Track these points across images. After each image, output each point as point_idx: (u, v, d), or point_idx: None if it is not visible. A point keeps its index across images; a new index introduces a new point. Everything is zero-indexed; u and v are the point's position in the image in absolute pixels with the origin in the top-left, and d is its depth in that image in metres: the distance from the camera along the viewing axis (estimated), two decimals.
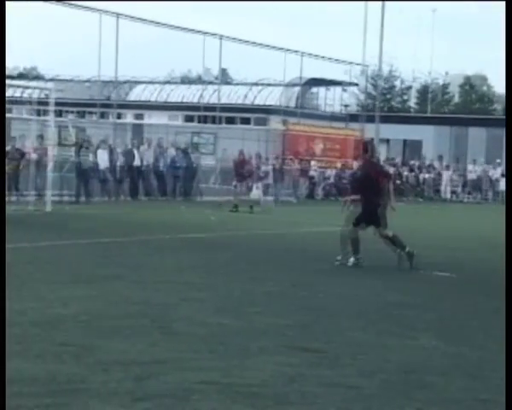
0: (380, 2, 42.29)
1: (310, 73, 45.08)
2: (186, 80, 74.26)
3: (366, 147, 14.08)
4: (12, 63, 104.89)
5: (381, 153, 46.23)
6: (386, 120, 46.90)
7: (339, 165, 37.18)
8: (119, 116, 35.30)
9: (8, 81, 43.18)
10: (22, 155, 24.41)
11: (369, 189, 13.14)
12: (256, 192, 29.31)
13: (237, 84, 63.55)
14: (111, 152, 27.30)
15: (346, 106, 53.02)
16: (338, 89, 52.65)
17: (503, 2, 10.68)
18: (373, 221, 13.16)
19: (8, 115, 43.42)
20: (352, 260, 12.99)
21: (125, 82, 58.80)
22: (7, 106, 48.31)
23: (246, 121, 54.30)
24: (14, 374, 5.97)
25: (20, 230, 16.45)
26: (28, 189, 24.93)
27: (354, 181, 13.65)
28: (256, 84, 58.91)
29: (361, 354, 7.21)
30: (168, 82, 63.55)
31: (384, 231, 13.19)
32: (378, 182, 13.25)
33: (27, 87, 44.12)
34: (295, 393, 5.93)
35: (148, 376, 6.14)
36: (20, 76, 75.74)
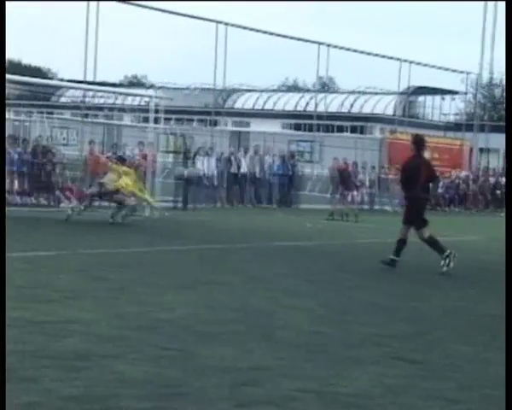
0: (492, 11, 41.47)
1: (419, 82, 44.61)
2: (292, 89, 74.45)
3: (419, 141, 13.73)
4: (122, 71, 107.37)
5: (491, 162, 45.30)
6: (497, 129, 45.88)
7: (447, 175, 36.58)
8: (218, 123, 35.58)
9: (118, 89, 44.35)
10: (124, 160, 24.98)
11: (417, 183, 13.07)
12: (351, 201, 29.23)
13: (343, 92, 63.39)
14: (214, 159, 27.60)
15: (455, 114, 52.21)
16: (446, 98, 51.86)
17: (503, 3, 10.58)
18: (416, 222, 13.15)
19: (118, 122, 44.58)
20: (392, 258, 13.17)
21: (231, 90, 59.44)
22: (117, 113, 49.49)
23: (352, 130, 54.12)
24: (114, 377, 6.09)
25: (119, 235, 16.80)
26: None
27: (402, 173, 13.58)
28: (362, 92, 58.65)
29: (461, 366, 7.07)
30: (273, 90, 63.86)
31: (423, 234, 13.14)
32: (426, 179, 13.24)
33: (137, 95, 45.13)
34: (393, 404, 5.85)
35: (245, 382, 6.16)
36: (130, 84, 77.46)
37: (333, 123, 52.86)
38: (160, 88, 61.23)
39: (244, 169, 28.24)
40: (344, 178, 26.14)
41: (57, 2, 54.44)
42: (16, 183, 21.97)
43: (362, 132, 52.47)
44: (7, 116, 36.50)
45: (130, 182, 19.20)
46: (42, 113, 37.41)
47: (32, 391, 5.67)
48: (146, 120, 32.67)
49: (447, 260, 12.80)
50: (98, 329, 7.66)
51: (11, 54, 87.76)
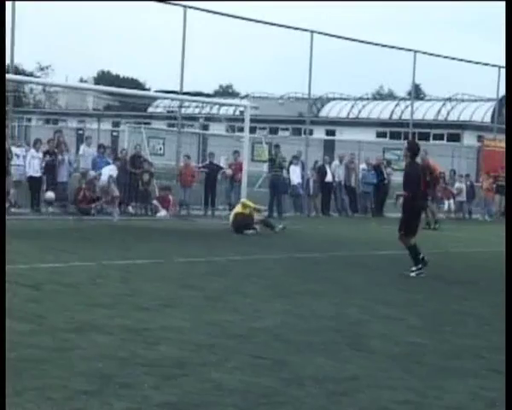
0: None
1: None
2: (378, 96, 73.92)
3: (415, 148, 13.86)
4: (209, 81, 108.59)
5: None
6: None
7: None
8: (310, 132, 35.57)
9: (205, 98, 44.88)
10: (218, 169, 25.28)
11: (416, 188, 13.30)
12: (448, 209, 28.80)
13: (430, 99, 62.56)
14: (303, 168, 27.58)
15: None
16: None
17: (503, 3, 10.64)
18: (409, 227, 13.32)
19: (204, 132, 45.09)
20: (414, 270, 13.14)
21: (318, 98, 59.37)
22: (204, 122, 50.00)
23: (439, 137, 53.34)
24: (210, 385, 6.14)
25: (213, 243, 16.94)
26: (222, 203, 25.70)
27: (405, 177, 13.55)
28: (450, 99, 57.75)
29: None
30: (361, 98, 63.52)
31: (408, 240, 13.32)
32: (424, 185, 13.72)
33: (223, 104, 45.63)
34: None
35: (342, 392, 6.12)
36: (217, 94, 78.25)
37: (429, 131, 52.20)
38: (251, 97, 61.66)
39: (337, 178, 28.11)
40: (432, 182, 25.58)
41: (148, 14, 55.41)
42: (115, 192, 22.41)
43: (458, 140, 51.63)
44: (105, 127, 37.27)
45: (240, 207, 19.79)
46: (138, 123, 38.14)
47: (130, 397, 5.76)
48: (235, 129, 32.86)
49: (418, 271, 13.16)
50: (194, 337, 7.74)
51: (109, 66, 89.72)
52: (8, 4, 21.39)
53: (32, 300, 9.16)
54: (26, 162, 21.85)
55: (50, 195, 21.50)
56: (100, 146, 24.58)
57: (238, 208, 19.88)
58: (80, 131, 48.44)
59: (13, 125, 30.20)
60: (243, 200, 20.66)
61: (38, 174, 21.80)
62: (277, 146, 27.07)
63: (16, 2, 21.36)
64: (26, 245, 14.37)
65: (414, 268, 13.18)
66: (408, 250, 13.41)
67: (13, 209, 21.24)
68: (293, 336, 8.03)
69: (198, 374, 6.44)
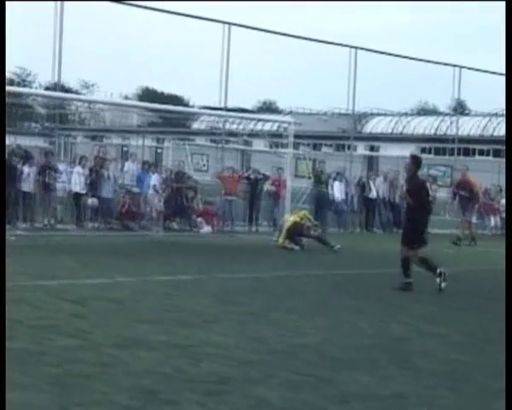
0: None
1: None
2: (422, 112, 73.49)
3: (419, 162, 14.00)
4: (252, 98, 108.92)
5: None
6: None
7: None
8: (354, 148, 35.48)
9: (248, 115, 45.02)
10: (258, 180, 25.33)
11: (420, 202, 13.49)
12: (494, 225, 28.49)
13: (475, 115, 62.04)
14: (346, 184, 27.50)
15: None
16: None
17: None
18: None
19: (247, 148, 45.21)
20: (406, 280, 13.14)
21: (361, 114, 59.23)
22: (247, 139, 50.20)
23: (483, 153, 52.85)
24: (255, 401, 6.13)
25: (256, 259, 16.95)
26: (265, 219, 25.70)
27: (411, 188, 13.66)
28: (496, 115, 57.22)
29: None
30: (404, 114, 63.20)
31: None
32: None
33: (266, 120, 45.67)
34: None
35: None
36: (259, 110, 78.44)
37: (474, 147, 51.74)
38: (295, 113, 61.72)
39: (379, 194, 27.98)
40: (470, 199, 25.26)
41: (192, 31, 55.68)
42: (158, 207, 22.58)
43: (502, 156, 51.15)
44: (149, 144, 37.54)
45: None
46: (181, 140, 38.39)
47: None
48: (278, 145, 32.85)
49: (440, 279, 13.10)
50: (237, 353, 7.75)
51: (153, 83, 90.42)
52: (56, 24, 21.73)
53: (77, 315, 9.25)
54: (72, 179, 22.10)
55: (94, 200, 21.68)
56: (144, 162, 24.77)
57: (296, 217, 19.93)
58: (124, 148, 48.88)
59: (59, 143, 30.55)
60: (304, 212, 20.80)
61: (83, 191, 22.04)
62: (322, 162, 26.97)
63: (64, 22, 21.69)
64: (71, 261, 14.51)
65: (437, 279, 13.10)
66: (401, 262, 13.42)
67: (59, 226, 21.50)
68: (336, 353, 8.00)
69: (241, 390, 6.44)
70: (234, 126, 51.22)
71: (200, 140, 51.37)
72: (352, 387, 6.71)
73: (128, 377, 6.63)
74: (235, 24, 25.24)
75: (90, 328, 8.54)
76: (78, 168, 22.43)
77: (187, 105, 77.29)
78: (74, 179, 22.08)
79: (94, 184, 22.18)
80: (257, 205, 25.11)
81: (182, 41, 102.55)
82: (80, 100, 56.17)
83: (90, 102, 58.03)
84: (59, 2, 21.59)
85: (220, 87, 25.36)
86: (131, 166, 24.21)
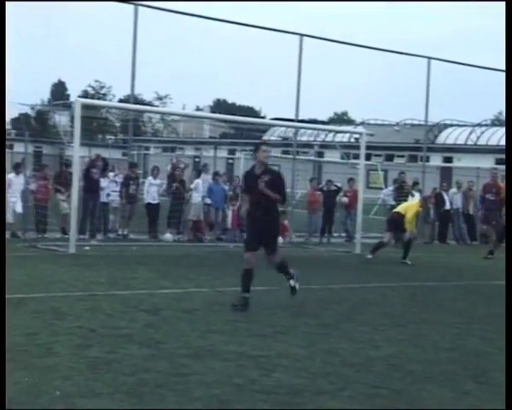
0: None
1: None
2: (497, 123, 72.29)
3: None
4: (324, 109, 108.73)
5: None
6: None
7: None
8: (427, 159, 35.07)
9: (320, 126, 44.96)
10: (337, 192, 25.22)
11: None
12: None
13: None
14: (426, 196, 27.15)
15: None
16: None
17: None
18: None
19: (319, 159, 45.13)
20: None
21: (435, 125, 58.53)
22: (319, 149, 50.01)
23: None
24: None
25: (329, 271, 16.86)
26: (338, 230, 25.59)
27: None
28: None
29: None
30: (478, 124, 62.25)
31: None
32: None
33: (338, 132, 45.63)
34: None
35: None
36: (332, 121, 78.25)
37: None
38: (367, 124, 61.36)
39: (455, 205, 27.58)
40: (497, 203, 24.50)
41: (264, 43, 55.92)
42: (231, 219, 22.71)
43: None
44: (221, 155, 37.77)
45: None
46: (252, 150, 38.46)
47: None
48: (350, 155, 32.68)
49: None
50: (310, 364, 7.69)
51: (225, 95, 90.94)
52: (129, 38, 22.04)
53: (151, 325, 9.32)
54: (144, 189, 22.38)
55: (168, 237, 21.85)
56: (215, 173, 24.90)
57: (408, 209, 19.18)
58: (197, 159, 49.30)
59: (132, 154, 30.97)
60: (415, 202, 20.25)
61: (156, 201, 22.28)
62: (403, 173, 26.61)
63: (138, 36, 22.00)
64: (145, 271, 14.66)
65: None
66: None
67: (132, 236, 21.78)
68: (410, 366, 7.88)
69: (314, 403, 6.39)
70: (306, 137, 51.27)
71: (272, 151, 51.43)
72: (426, 401, 6.59)
73: (200, 387, 6.64)
74: (308, 35, 25.19)
75: (164, 338, 8.59)
76: (150, 179, 22.73)
77: (259, 116, 77.56)
78: (147, 190, 22.38)
79: (166, 194, 22.47)
80: (330, 216, 24.99)
81: (254, 53, 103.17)
82: (154, 112, 56.91)
83: (163, 113, 58.77)
84: (133, 17, 21.89)
85: (293, 98, 25.33)
86: (204, 177, 24.37)
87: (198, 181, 22.96)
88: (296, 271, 11.75)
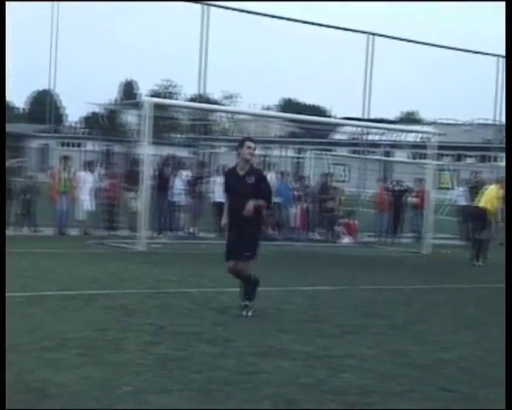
0: None
1: None
2: None
3: None
4: (393, 108, 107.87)
5: None
6: None
7: None
8: (497, 159, 34.51)
9: (388, 125, 44.61)
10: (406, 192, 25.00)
11: None
12: None
13: None
14: None
15: None
16: None
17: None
18: None
19: (388, 158, 44.80)
20: None
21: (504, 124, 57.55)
22: (388, 149, 49.61)
23: None
24: None
25: (398, 271, 16.72)
26: (407, 231, 25.36)
27: None
28: None
29: None
30: None
31: None
32: None
33: (409, 131, 45.24)
34: None
35: None
36: (401, 120, 77.56)
37: None
38: (437, 124, 60.64)
39: None
40: None
41: (332, 42, 55.68)
42: (299, 218, 22.71)
43: None
44: (289, 154, 37.77)
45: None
46: (321, 150, 38.42)
47: None
48: (420, 155, 32.28)
49: None
50: (378, 365, 7.64)
51: (293, 94, 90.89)
52: (202, 39, 22.20)
53: (219, 323, 9.37)
54: (215, 188, 22.53)
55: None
56: (282, 173, 24.93)
57: (489, 199, 18.49)
58: (267, 158, 49.37)
59: (203, 153, 31.20)
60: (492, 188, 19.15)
61: (223, 200, 22.40)
62: (478, 173, 26.22)
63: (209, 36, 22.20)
64: (213, 269, 14.74)
65: None
66: None
67: (201, 234, 21.94)
68: (481, 370, 7.76)
69: (383, 404, 6.34)
70: (375, 137, 50.92)
71: (340, 151, 51.26)
72: (500, 404, 6.47)
73: (268, 385, 6.64)
74: (377, 34, 25.08)
75: (232, 336, 8.63)
76: (218, 178, 22.86)
77: (328, 116, 77.32)
78: (217, 189, 22.49)
79: None
80: (400, 217, 24.79)
81: (323, 53, 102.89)
82: (222, 111, 57.21)
83: (232, 112, 59.04)
84: (201, 16, 22.06)
85: (363, 98, 25.22)
86: (272, 177, 24.42)
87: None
88: (255, 302, 10.25)
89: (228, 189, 10.24)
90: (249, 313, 9.99)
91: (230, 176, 10.20)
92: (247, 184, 9.78)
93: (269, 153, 54.41)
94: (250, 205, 9.64)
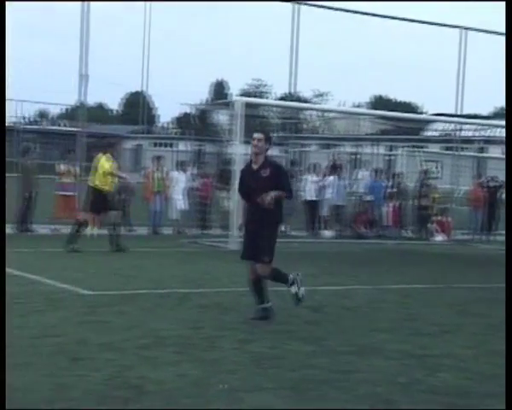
0: None
1: None
2: None
3: None
4: (488, 103, 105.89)
5: None
6: None
7: None
8: None
9: (482, 121, 43.73)
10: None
11: None
12: None
13: None
14: None
15: None
16: None
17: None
18: None
19: (481, 155, 43.92)
20: None
21: None
22: (483, 146, 48.60)
23: None
24: None
25: (495, 270, 16.37)
26: (502, 228, 24.81)
27: None
28: None
29: None
30: None
31: None
32: None
33: (503, 126, 44.27)
34: None
35: None
36: (496, 115, 75.99)
37: None
38: None
39: None
40: None
41: (424, 38, 54.97)
42: (391, 216, 22.50)
43: None
44: (380, 151, 37.47)
45: None
46: (413, 147, 37.97)
47: None
48: None
49: None
50: (477, 366, 7.48)
51: (384, 91, 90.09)
52: (293, 36, 22.19)
53: (313, 322, 9.34)
54: (306, 187, 22.50)
55: (328, 233, 21.88)
56: (376, 170, 24.73)
57: None
58: (358, 156, 49.06)
59: (293, 151, 31.22)
60: None
61: (314, 198, 22.35)
62: None
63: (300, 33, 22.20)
64: (305, 268, 14.71)
65: None
66: None
67: (293, 232, 21.94)
68: None
69: (482, 405, 6.20)
70: (469, 133, 49.96)
71: (432, 147, 50.49)
72: None
73: (364, 385, 6.58)
74: (470, 28, 24.60)
75: (325, 334, 8.59)
76: (309, 176, 22.83)
77: (420, 112, 76.35)
78: (308, 187, 22.48)
79: (325, 191, 22.52)
80: (495, 213, 24.28)
81: (414, 47, 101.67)
82: (313, 109, 57.14)
83: (322, 110, 58.87)
84: (292, 15, 22.07)
85: (456, 93, 24.78)
86: (364, 174, 24.26)
87: (330, 178, 22.60)
88: (295, 274, 9.63)
89: (242, 186, 9.56)
90: (300, 291, 9.41)
91: (244, 172, 9.53)
92: (261, 178, 9.04)
93: (360, 150, 54.08)
94: (268, 195, 8.91)
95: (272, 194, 8.91)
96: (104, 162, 15.79)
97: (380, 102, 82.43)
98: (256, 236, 9.13)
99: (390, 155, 52.91)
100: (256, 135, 9.20)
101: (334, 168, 22.97)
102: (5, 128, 11.21)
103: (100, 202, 15.76)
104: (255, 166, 9.19)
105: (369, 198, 22.74)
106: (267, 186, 8.95)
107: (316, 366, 7.15)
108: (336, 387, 6.48)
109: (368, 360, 7.49)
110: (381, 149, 56.45)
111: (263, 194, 8.91)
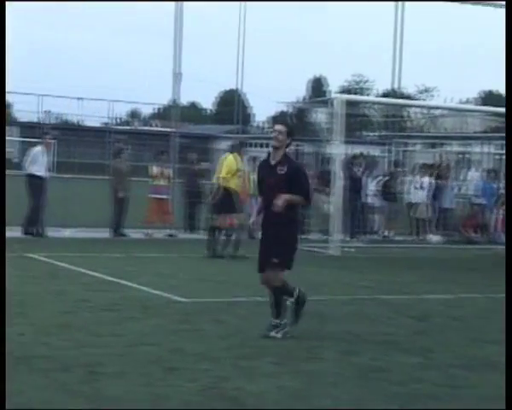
0: None
1: None
2: None
3: None
4: None
5: None
6: None
7: None
8: None
9: None
10: None
11: None
12: None
13: None
14: None
15: None
16: None
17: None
18: None
19: None
20: None
21: None
22: None
23: None
24: None
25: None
26: None
27: None
28: None
29: None
30: None
31: None
32: None
33: None
34: None
35: None
36: None
37: None
38: None
39: None
40: None
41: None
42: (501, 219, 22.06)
43: None
44: (491, 150, 36.79)
45: None
46: None
47: None
48: None
49: None
50: None
51: (495, 86, 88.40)
52: (396, 29, 22.00)
53: (419, 332, 9.23)
54: (410, 189, 22.28)
55: (436, 238, 21.58)
56: (489, 171, 24.21)
57: None
58: (467, 155, 48.26)
59: (396, 151, 30.94)
60: None
61: (419, 201, 22.09)
62: None
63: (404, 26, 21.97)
64: (411, 275, 14.58)
65: None
66: None
67: (397, 237, 21.72)
68: None
69: None
70: None
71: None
72: None
73: (480, 401, 6.45)
74: None
75: (433, 346, 8.47)
76: (414, 177, 22.59)
77: None
78: (413, 189, 22.24)
79: (434, 193, 22.22)
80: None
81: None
82: (418, 106, 56.47)
83: (428, 107, 58.14)
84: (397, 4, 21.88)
85: None
86: (475, 175, 23.84)
87: (424, 180, 22.21)
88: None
89: (260, 182, 9.08)
90: (278, 335, 8.54)
91: (262, 167, 9.09)
92: (277, 175, 8.55)
93: (468, 149, 53.15)
94: (281, 199, 8.43)
95: (285, 197, 8.47)
96: (231, 162, 15.98)
97: (490, 98, 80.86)
98: (267, 239, 8.71)
99: (501, 155, 51.83)
100: (277, 127, 8.74)
101: (431, 168, 22.64)
102: (5, 128, 11.66)
103: (229, 202, 15.89)
104: (273, 162, 8.72)
105: (479, 201, 22.32)
106: (281, 185, 8.52)
107: (424, 379, 7.04)
108: (448, 402, 6.37)
109: (480, 373, 7.36)
110: (493, 149, 55.35)
111: (276, 194, 8.47)
